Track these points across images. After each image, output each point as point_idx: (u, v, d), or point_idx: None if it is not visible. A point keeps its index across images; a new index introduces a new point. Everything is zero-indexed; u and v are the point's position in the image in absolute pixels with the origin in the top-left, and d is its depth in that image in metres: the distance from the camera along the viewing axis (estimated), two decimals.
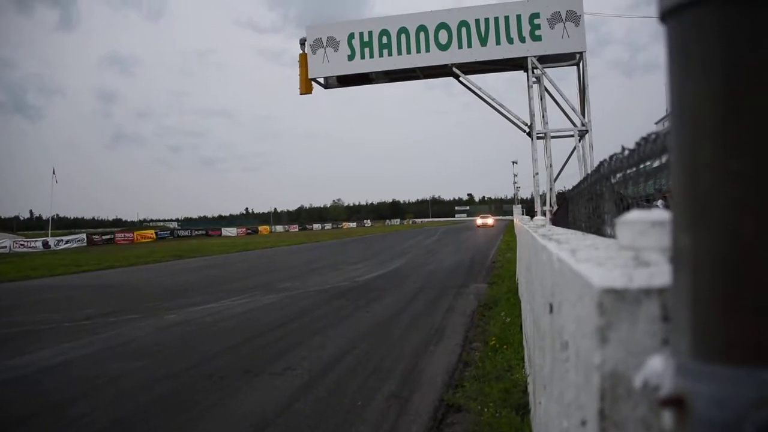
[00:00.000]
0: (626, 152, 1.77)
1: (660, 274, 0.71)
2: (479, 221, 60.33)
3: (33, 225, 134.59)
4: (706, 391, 0.53)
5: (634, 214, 0.80)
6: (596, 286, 0.72)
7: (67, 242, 44.82)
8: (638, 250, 0.80)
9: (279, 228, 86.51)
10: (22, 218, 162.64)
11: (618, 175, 2.08)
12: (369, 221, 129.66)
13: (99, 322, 8.81)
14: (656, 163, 1.54)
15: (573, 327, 0.95)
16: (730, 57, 0.53)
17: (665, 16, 0.58)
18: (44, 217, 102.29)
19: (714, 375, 0.53)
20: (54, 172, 46.14)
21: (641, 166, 1.66)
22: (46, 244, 42.19)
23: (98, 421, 4.46)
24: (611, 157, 2.06)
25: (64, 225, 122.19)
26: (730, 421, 0.50)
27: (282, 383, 5.32)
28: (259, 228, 78.37)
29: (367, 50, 15.57)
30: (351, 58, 15.72)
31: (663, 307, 0.68)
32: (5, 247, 39.46)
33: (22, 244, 41.73)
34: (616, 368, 0.69)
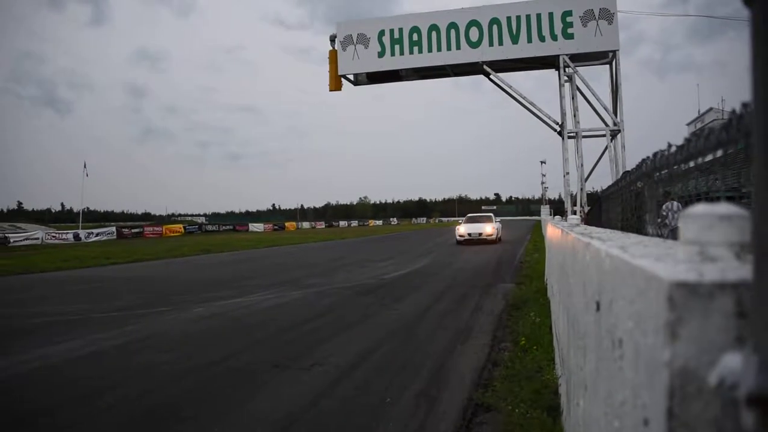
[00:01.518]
0: (673, 148, 1.72)
1: (732, 269, 0.69)
2: (462, 230, 27.60)
3: (64, 217, 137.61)
4: None
5: (701, 208, 0.77)
6: (666, 280, 0.69)
7: (97, 235, 45.85)
8: (704, 245, 0.77)
9: (305, 224, 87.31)
10: (53, 211, 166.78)
11: (664, 172, 2.03)
12: (395, 219, 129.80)
13: (128, 314, 8.96)
14: (708, 158, 1.49)
15: (630, 324, 0.92)
16: None
17: None
18: (75, 210, 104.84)
19: None
20: (85, 166, 47.12)
21: (691, 163, 1.61)
22: (76, 237, 43.22)
23: (127, 413, 4.51)
24: (655, 154, 2.01)
25: (94, 218, 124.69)
26: None
27: (310, 379, 5.34)
28: (286, 224, 79.06)
29: (397, 47, 15.53)
30: (381, 54, 15.73)
31: (738, 303, 0.65)
32: (37, 238, 40.50)
33: (53, 236, 42.79)
34: (687, 365, 0.67)
